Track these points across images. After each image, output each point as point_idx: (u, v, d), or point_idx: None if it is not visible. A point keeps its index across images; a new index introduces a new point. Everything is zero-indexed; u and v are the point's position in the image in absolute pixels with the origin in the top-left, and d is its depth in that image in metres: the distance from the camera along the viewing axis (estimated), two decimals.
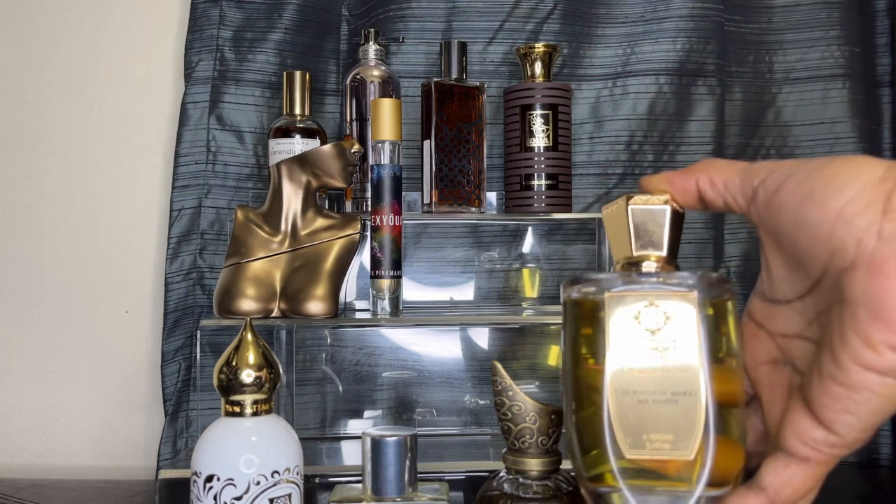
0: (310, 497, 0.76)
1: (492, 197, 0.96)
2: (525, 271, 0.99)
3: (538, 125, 0.89)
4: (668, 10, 0.96)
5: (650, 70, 0.97)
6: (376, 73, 0.90)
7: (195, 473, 0.54)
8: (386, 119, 0.81)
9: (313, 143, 0.88)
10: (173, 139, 0.95)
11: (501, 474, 0.58)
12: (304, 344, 0.96)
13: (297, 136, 0.88)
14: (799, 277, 0.38)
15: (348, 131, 0.91)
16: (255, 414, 0.55)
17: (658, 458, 0.38)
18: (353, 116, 0.91)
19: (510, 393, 0.56)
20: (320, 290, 0.81)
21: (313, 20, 0.97)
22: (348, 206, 0.91)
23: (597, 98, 0.98)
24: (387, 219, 0.82)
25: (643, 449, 0.38)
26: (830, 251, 0.34)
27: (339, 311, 0.83)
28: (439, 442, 0.92)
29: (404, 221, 0.88)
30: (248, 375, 0.54)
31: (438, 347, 0.97)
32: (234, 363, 0.54)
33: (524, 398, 0.56)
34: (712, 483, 0.38)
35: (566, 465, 0.52)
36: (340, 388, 0.96)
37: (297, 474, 0.55)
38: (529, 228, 0.99)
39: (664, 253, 0.41)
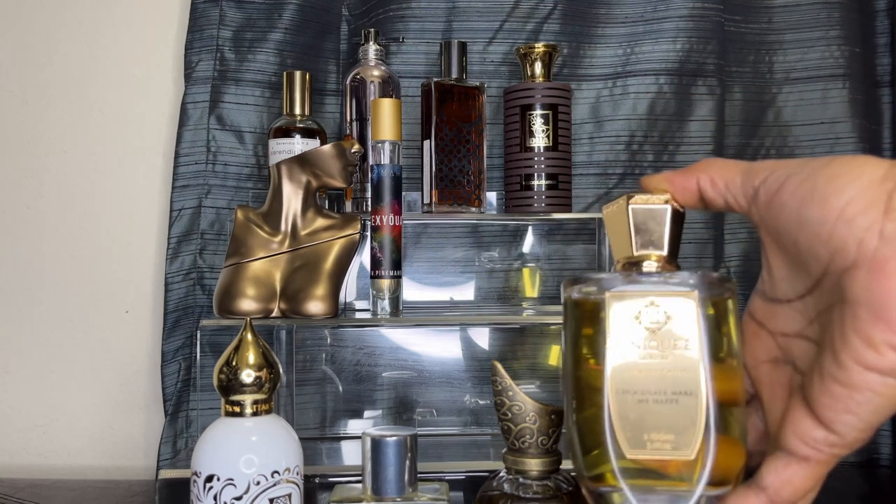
0: (310, 497, 0.76)
1: (492, 197, 0.96)
2: (525, 271, 0.99)
3: (538, 125, 0.88)
4: (668, 10, 0.96)
5: (650, 70, 0.97)
6: (376, 73, 0.90)
7: (195, 473, 0.54)
8: (386, 119, 0.81)
9: (313, 143, 0.88)
10: (173, 139, 0.95)
11: (501, 474, 0.58)
12: (304, 344, 0.96)
13: (297, 136, 0.88)
14: (800, 277, 0.38)
15: (348, 131, 0.91)
16: (255, 414, 0.55)
17: (659, 458, 0.38)
18: (353, 116, 0.91)
19: (510, 393, 0.56)
20: (320, 290, 0.81)
21: (313, 20, 0.97)
22: (348, 206, 0.91)
23: (597, 98, 0.98)
24: (387, 219, 0.82)
25: (644, 449, 0.38)
26: (831, 251, 0.34)
27: (339, 311, 0.83)
28: (439, 442, 0.92)
29: (404, 221, 0.88)
30: (248, 375, 0.54)
31: (438, 347, 0.97)
32: (234, 363, 0.54)
33: (524, 398, 0.56)
34: (713, 482, 0.38)
35: (566, 465, 0.52)
36: (340, 388, 0.96)
37: (297, 474, 0.55)
38: (529, 228, 0.99)
39: (665, 252, 0.41)
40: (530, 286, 0.99)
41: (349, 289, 0.96)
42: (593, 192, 0.97)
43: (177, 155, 0.94)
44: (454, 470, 0.80)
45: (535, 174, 0.89)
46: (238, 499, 0.53)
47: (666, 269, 0.41)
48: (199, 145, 0.94)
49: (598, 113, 0.98)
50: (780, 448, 0.37)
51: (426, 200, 0.89)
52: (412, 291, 0.97)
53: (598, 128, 0.98)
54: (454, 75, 0.89)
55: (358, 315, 0.93)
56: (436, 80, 0.88)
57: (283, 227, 0.85)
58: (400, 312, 0.83)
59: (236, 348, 0.55)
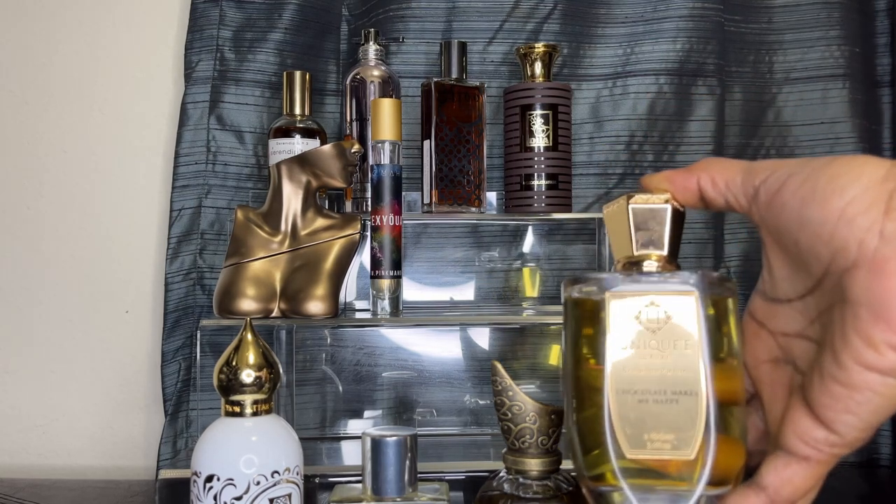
0: (310, 497, 0.76)
1: (492, 197, 0.96)
2: (525, 271, 0.99)
3: (538, 125, 0.88)
4: (668, 10, 0.96)
5: (650, 70, 0.97)
6: (376, 73, 0.90)
7: (195, 473, 0.54)
8: (386, 119, 0.81)
9: (313, 143, 0.88)
10: (173, 139, 0.95)
11: (501, 474, 0.58)
12: (304, 344, 0.96)
13: (297, 136, 0.88)
14: (800, 277, 0.38)
15: (348, 131, 0.91)
16: (255, 414, 0.55)
17: (659, 458, 0.38)
18: (353, 116, 0.91)
19: (510, 393, 0.56)
20: (320, 290, 0.81)
21: (313, 20, 0.97)
22: (348, 206, 0.91)
23: (597, 98, 0.98)
24: (387, 219, 0.82)
25: (644, 448, 0.38)
26: (832, 251, 0.34)
27: (339, 311, 0.83)
28: (439, 442, 0.92)
29: (404, 221, 0.88)
30: (248, 375, 0.54)
31: (438, 347, 0.97)
32: (234, 363, 0.54)
33: (524, 398, 0.56)
34: (713, 482, 0.38)
35: (566, 465, 0.52)
36: (340, 388, 0.96)
37: (297, 474, 0.55)
38: (529, 228, 0.99)
39: (665, 252, 0.41)
40: (530, 286, 0.99)
41: (349, 289, 0.96)
42: (593, 192, 0.97)
43: (177, 155, 0.94)
44: (454, 470, 0.80)
45: (535, 174, 0.89)
46: (238, 499, 0.53)
47: (666, 269, 0.41)
48: (199, 145, 0.94)
49: (598, 113, 0.98)
50: (781, 448, 0.37)
51: (426, 200, 0.89)
52: (412, 291, 0.97)
53: (598, 128, 0.98)
54: (454, 75, 0.89)
55: (358, 315, 0.93)
56: (436, 80, 0.88)
57: (283, 227, 0.85)
58: (400, 312, 0.83)
59: (236, 348, 0.55)
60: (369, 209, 0.83)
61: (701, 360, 0.38)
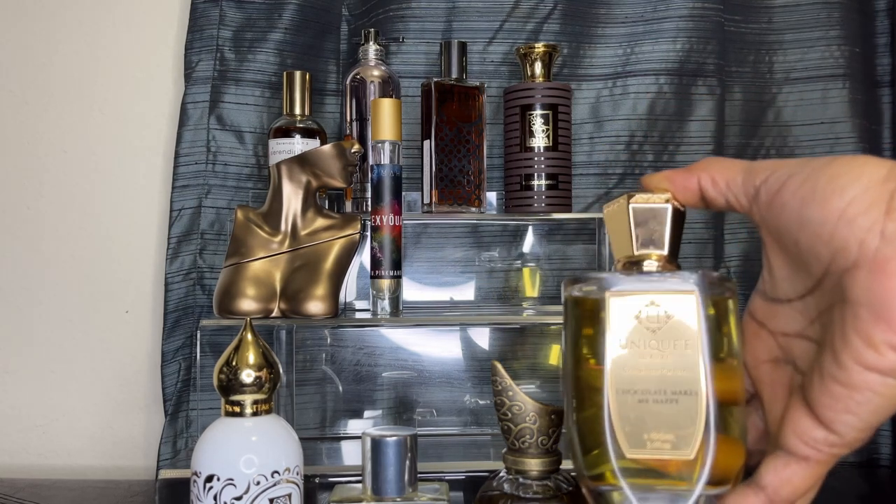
0: (310, 497, 0.76)
1: (492, 197, 0.96)
2: (525, 271, 0.99)
3: (538, 125, 0.88)
4: (668, 10, 0.96)
5: (650, 70, 0.97)
6: (376, 73, 0.90)
7: (195, 473, 0.54)
8: (386, 119, 0.81)
9: (313, 143, 0.88)
10: (173, 139, 0.95)
11: (501, 474, 0.58)
12: (304, 344, 0.96)
13: (297, 136, 0.88)
14: (801, 277, 0.38)
15: (348, 131, 0.91)
16: (255, 414, 0.55)
17: (658, 458, 0.38)
18: (353, 116, 0.91)
19: (510, 393, 0.56)
20: (320, 290, 0.81)
21: (313, 20, 0.97)
22: (348, 206, 0.91)
23: (597, 98, 0.98)
24: (387, 219, 0.82)
25: (644, 448, 0.38)
26: (833, 251, 0.34)
27: (339, 311, 0.83)
28: (439, 442, 0.92)
29: (404, 221, 0.88)
30: (248, 375, 0.54)
31: (438, 347, 0.97)
32: (234, 363, 0.54)
33: (524, 398, 0.56)
34: (712, 482, 0.38)
35: (566, 465, 0.52)
36: (340, 388, 0.96)
37: (297, 474, 0.55)
38: (529, 228, 0.99)
39: (665, 252, 0.41)
40: (530, 286, 0.99)
41: (349, 289, 0.96)
42: (593, 192, 0.97)
43: (177, 155, 0.94)
44: (454, 470, 0.80)
45: (535, 174, 0.89)
46: (238, 499, 0.53)
47: (666, 269, 0.41)
48: (199, 145, 0.94)
49: (598, 113, 0.98)
50: (780, 447, 0.37)
51: (426, 200, 0.89)
52: (412, 291, 0.97)
53: (598, 128, 0.98)
54: (454, 75, 0.89)
55: (358, 315, 0.93)
56: (436, 80, 0.88)
57: (283, 227, 0.85)
58: (400, 312, 0.83)
59: (236, 348, 0.55)
60: (369, 209, 0.83)
61: (701, 359, 0.38)
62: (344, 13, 1.00)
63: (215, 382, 0.55)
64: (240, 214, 0.86)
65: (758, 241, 0.40)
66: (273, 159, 0.88)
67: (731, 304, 0.40)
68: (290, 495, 0.54)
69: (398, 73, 0.94)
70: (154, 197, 0.99)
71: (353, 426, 0.96)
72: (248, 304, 0.81)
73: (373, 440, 0.57)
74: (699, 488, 0.38)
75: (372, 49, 0.91)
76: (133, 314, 0.99)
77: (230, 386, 0.54)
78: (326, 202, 0.92)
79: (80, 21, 1.00)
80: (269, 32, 0.95)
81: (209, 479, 0.53)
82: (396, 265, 0.82)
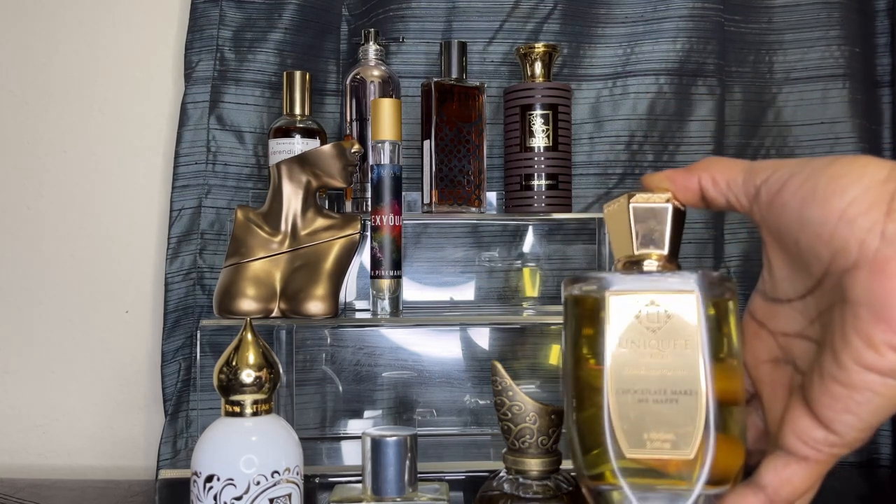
0: (310, 497, 0.76)
1: (492, 197, 0.96)
2: (525, 271, 0.99)
3: (538, 125, 0.88)
4: (668, 10, 0.96)
5: (650, 70, 0.97)
6: (376, 73, 0.90)
7: (195, 473, 0.54)
8: (386, 119, 0.81)
9: (313, 143, 0.88)
10: (173, 139, 0.95)
11: (501, 474, 0.58)
12: (304, 344, 0.96)
13: (297, 136, 0.88)
14: (801, 277, 0.38)
15: (348, 131, 0.91)
16: (255, 414, 0.55)
17: (658, 457, 0.38)
18: (353, 116, 0.91)
19: (510, 393, 0.56)
20: (320, 290, 0.81)
21: (313, 20, 0.97)
22: (348, 206, 0.91)
23: (597, 98, 0.98)
24: (387, 219, 0.82)
25: (643, 448, 0.38)
26: (833, 251, 0.34)
27: (339, 311, 0.83)
28: (439, 442, 0.92)
29: (404, 221, 0.88)
30: (248, 375, 0.54)
31: (438, 347, 0.97)
32: (234, 363, 0.54)
33: (524, 398, 0.56)
34: (712, 481, 0.38)
35: (566, 465, 0.52)
36: (340, 388, 0.96)
37: (297, 474, 0.55)
38: (529, 228, 0.99)
39: (665, 251, 0.41)
40: (530, 286, 0.99)
41: (349, 289, 0.96)
42: (593, 192, 0.97)
43: (177, 155, 0.94)
44: (454, 470, 0.80)
45: (535, 174, 0.89)
46: (238, 499, 0.53)
47: (667, 268, 0.41)
48: (199, 145, 0.94)
49: (598, 113, 0.98)
50: (780, 447, 0.37)
51: (426, 200, 0.89)
52: (412, 291, 0.97)
53: (598, 128, 0.98)
54: (454, 75, 0.89)
55: (358, 315, 0.93)
56: (436, 80, 0.88)
57: (283, 227, 0.85)
58: (400, 312, 0.83)
59: (236, 348, 0.55)
60: (369, 209, 0.83)
61: (701, 359, 0.38)
62: (344, 13, 1.00)
63: (215, 382, 0.55)
64: (240, 214, 0.86)
65: (758, 241, 0.40)
66: (273, 159, 0.88)
67: (731, 304, 0.40)
68: (290, 495, 0.54)
69: (398, 73, 0.94)
70: (154, 197, 0.99)
71: (353, 426, 0.96)
72: (248, 304, 0.81)
73: (373, 440, 0.57)
74: (699, 488, 0.38)
75: (372, 49, 0.91)
76: (133, 314, 0.99)
77: (230, 386, 0.54)
78: (326, 202, 0.92)
79: (80, 21, 1.00)
80: (269, 32, 0.95)
81: (209, 479, 0.53)
82: (396, 265, 0.82)
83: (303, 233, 0.85)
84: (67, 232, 0.99)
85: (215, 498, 0.53)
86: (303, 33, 0.96)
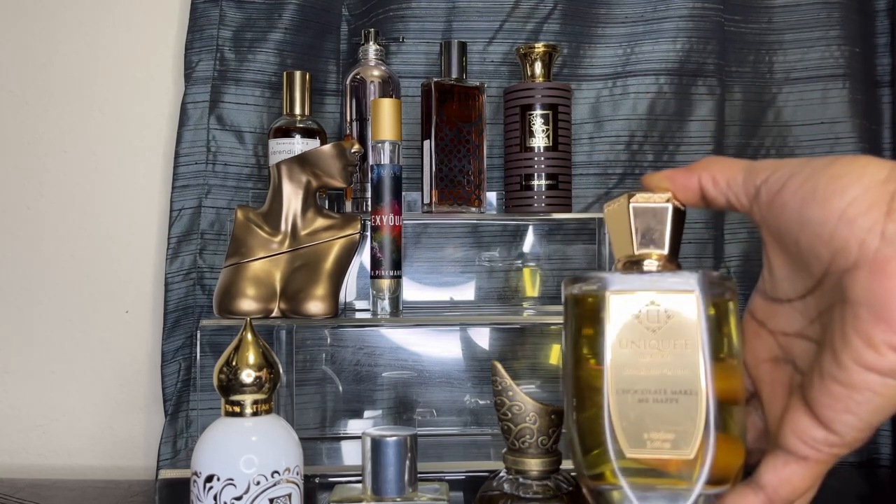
0: (310, 497, 0.76)
1: (492, 197, 0.96)
2: (525, 271, 0.99)
3: (538, 125, 0.88)
4: (668, 10, 0.96)
5: (650, 70, 0.97)
6: (376, 73, 0.90)
7: (195, 473, 0.54)
8: (386, 119, 0.81)
9: (313, 143, 0.88)
10: (173, 139, 0.95)
11: (501, 474, 0.58)
12: (304, 344, 0.96)
13: (297, 136, 0.88)
14: (801, 277, 0.38)
15: (348, 131, 0.91)
16: (255, 414, 0.55)
17: (658, 457, 0.38)
18: (353, 116, 0.91)
19: (510, 393, 0.56)
20: (320, 290, 0.81)
21: (313, 20, 0.97)
22: (348, 206, 0.91)
23: (597, 98, 0.98)
24: (387, 219, 0.82)
25: (644, 448, 0.39)
26: (833, 251, 0.34)
27: (339, 311, 0.83)
28: (439, 442, 0.92)
29: (404, 221, 0.88)
30: (248, 375, 0.54)
31: (438, 347, 0.97)
32: (234, 363, 0.54)
33: (524, 398, 0.56)
34: (712, 481, 0.38)
35: (566, 464, 0.52)
36: (340, 388, 0.96)
37: (297, 474, 0.55)
38: (529, 228, 0.99)
39: (665, 251, 0.41)
40: (530, 286, 0.99)
41: (349, 289, 0.96)
42: (593, 192, 0.97)
43: (177, 155, 0.94)
44: (454, 470, 0.80)
45: (535, 174, 0.89)
46: (238, 499, 0.53)
47: (667, 268, 0.41)
48: (199, 145, 0.94)
49: (598, 113, 0.98)
50: (779, 447, 0.37)
51: (426, 200, 0.89)
52: (412, 291, 0.97)
53: (598, 128, 0.98)
54: (454, 75, 0.89)
55: (358, 315, 0.93)
56: (436, 80, 0.88)
57: (283, 227, 0.85)
58: (400, 312, 0.83)
59: (236, 348, 0.55)
60: (369, 209, 0.83)
61: (701, 359, 0.38)
62: (344, 13, 1.00)
63: (215, 382, 0.55)
64: (240, 214, 0.86)
65: (758, 241, 0.40)
66: (273, 159, 0.88)
67: (731, 304, 0.40)
68: (290, 495, 0.54)
69: (398, 73, 0.94)
70: (154, 197, 0.99)
71: (353, 426, 0.96)
72: (248, 304, 0.81)
73: (373, 440, 0.57)
74: (699, 487, 0.38)
75: (372, 49, 0.91)
76: (133, 314, 0.99)
77: (230, 386, 0.54)
78: (326, 202, 0.92)
79: (80, 21, 1.00)
80: (269, 32, 0.95)
81: (209, 479, 0.53)
82: (396, 265, 0.82)
83: (303, 233, 0.85)
84: (67, 232, 0.99)
85: (215, 498, 0.53)
86: (303, 33, 0.96)
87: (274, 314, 0.82)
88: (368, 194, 0.86)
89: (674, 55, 0.96)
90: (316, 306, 0.81)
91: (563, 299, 0.42)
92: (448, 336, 0.97)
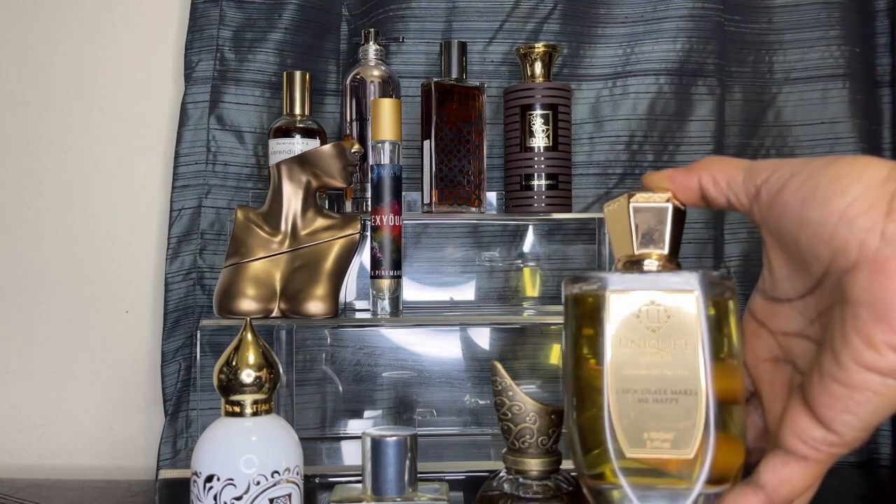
0: (310, 497, 0.76)
1: (492, 197, 0.96)
2: (525, 271, 0.99)
3: (538, 125, 0.88)
4: (668, 10, 0.96)
5: (650, 70, 0.97)
6: (376, 73, 0.90)
7: (195, 473, 0.54)
8: (386, 119, 0.81)
9: (313, 143, 0.88)
10: (173, 139, 0.95)
11: (501, 474, 0.58)
12: (304, 344, 0.96)
13: (297, 136, 0.88)
14: (801, 276, 0.38)
15: (348, 131, 0.91)
16: (255, 414, 0.55)
17: (658, 457, 0.38)
18: (353, 116, 0.91)
19: (510, 393, 0.56)
20: (320, 290, 0.81)
21: (313, 20, 0.97)
22: (348, 206, 0.91)
23: (597, 98, 0.98)
24: (387, 219, 0.82)
25: (644, 447, 0.39)
26: (833, 251, 0.34)
27: (339, 311, 0.83)
28: (439, 442, 0.92)
29: (404, 221, 0.88)
30: (248, 375, 0.54)
31: (438, 347, 0.97)
32: (234, 363, 0.54)
33: (524, 398, 0.56)
34: (712, 480, 0.38)
35: (566, 464, 0.52)
36: (340, 388, 0.96)
37: (297, 474, 0.55)
38: (529, 228, 0.99)
39: (666, 251, 0.41)
40: (530, 286, 0.99)
41: (349, 289, 0.96)
42: (593, 192, 0.97)
43: (177, 155, 0.94)
44: (454, 470, 0.80)
45: (535, 174, 0.89)
46: (238, 499, 0.53)
47: (667, 268, 0.41)
48: (199, 145, 0.94)
49: (598, 113, 0.98)
50: (779, 446, 0.37)
51: (426, 200, 0.89)
52: (412, 291, 0.97)
53: (598, 128, 0.98)
54: (454, 75, 0.89)
55: (358, 315, 0.93)
56: (436, 80, 0.88)
57: (283, 227, 0.85)
58: (400, 312, 0.83)
59: (236, 348, 0.55)
60: (369, 209, 0.83)
61: (701, 359, 0.38)
62: (344, 13, 1.00)
63: (215, 382, 0.55)
64: (240, 214, 0.86)
65: (758, 241, 0.40)
66: (273, 159, 0.88)
67: (731, 304, 0.40)
68: (290, 495, 0.54)
69: (398, 73, 0.94)
70: (154, 197, 0.99)
71: (353, 426, 0.96)
72: (248, 304, 0.81)
73: (373, 440, 0.57)
74: (699, 487, 0.38)
75: (372, 49, 0.91)
76: (133, 314, 0.99)
77: (230, 386, 0.54)
78: (326, 202, 0.92)
79: (80, 21, 1.00)
80: (269, 32, 0.95)
81: (209, 479, 0.53)
82: (396, 265, 0.82)
83: (303, 233, 0.85)
84: (67, 232, 0.99)
85: (215, 498, 0.53)
86: (303, 33, 0.96)
87: (274, 314, 0.82)
88: (368, 194, 0.86)
89: (674, 55, 0.96)
90: (316, 306, 0.81)
91: (563, 299, 0.42)
92: (448, 336, 0.97)
